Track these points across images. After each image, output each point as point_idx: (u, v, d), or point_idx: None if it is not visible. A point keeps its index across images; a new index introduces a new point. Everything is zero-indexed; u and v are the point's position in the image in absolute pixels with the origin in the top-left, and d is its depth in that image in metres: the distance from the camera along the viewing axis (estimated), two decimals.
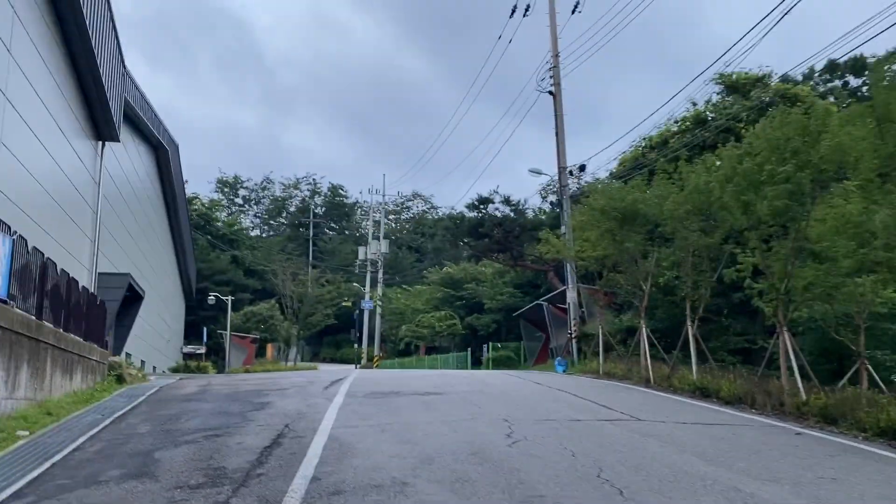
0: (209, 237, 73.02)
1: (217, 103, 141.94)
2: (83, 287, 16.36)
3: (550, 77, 26.02)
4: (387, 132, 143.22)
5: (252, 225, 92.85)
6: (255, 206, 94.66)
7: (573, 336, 25.25)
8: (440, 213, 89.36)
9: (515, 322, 46.16)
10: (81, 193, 23.96)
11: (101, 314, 18.53)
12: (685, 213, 14.79)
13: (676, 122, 21.99)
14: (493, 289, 46.64)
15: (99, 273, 26.40)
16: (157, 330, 42.71)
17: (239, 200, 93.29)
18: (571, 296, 25.36)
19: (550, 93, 25.91)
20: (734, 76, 19.75)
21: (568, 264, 25.26)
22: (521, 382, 16.68)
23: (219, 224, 77.38)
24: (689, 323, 15.97)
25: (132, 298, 30.28)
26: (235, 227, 79.49)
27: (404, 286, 63.51)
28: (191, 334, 57.17)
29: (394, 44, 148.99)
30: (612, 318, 25.39)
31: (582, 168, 23.84)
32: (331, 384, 15.83)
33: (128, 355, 33.43)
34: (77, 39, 21.19)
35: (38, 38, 18.60)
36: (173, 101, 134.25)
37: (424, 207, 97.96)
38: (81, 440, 9.58)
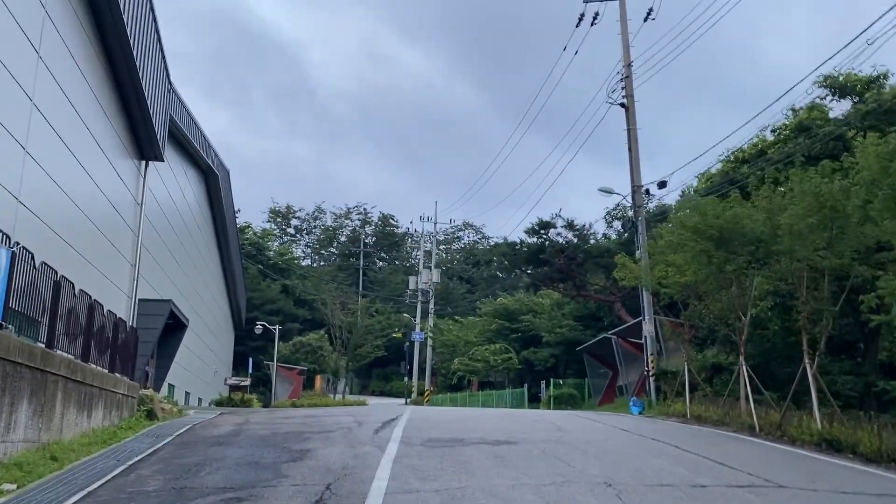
0: (260, 266, 72.32)
1: (271, 136, 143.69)
2: (109, 312, 14.68)
3: (622, 88, 23.85)
4: (437, 163, 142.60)
5: (303, 255, 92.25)
6: (306, 236, 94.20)
7: (650, 374, 22.65)
8: (492, 243, 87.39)
9: (575, 357, 43.38)
10: (121, 214, 22.64)
11: (131, 342, 16.85)
12: (807, 227, 12.35)
13: (773, 130, 19.53)
14: (552, 321, 44.00)
15: (139, 299, 24.98)
16: (204, 360, 41.37)
17: (291, 230, 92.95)
18: (648, 328, 22.82)
19: (623, 105, 23.72)
20: (842, 77, 17.28)
21: (645, 293, 22.76)
22: (602, 428, 14.29)
23: (270, 253, 76.75)
24: (806, 360, 13.39)
25: (175, 326, 28.84)
26: (287, 257, 78.75)
27: (456, 317, 61.22)
28: (239, 365, 55.84)
29: (443, 75, 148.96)
30: (693, 354, 22.73)
31: (662, 185, 21.47)
32: (382, 426, 13.72)
33: (170, 387, 31.99)
34: (118, 51, 19.99)
35: (75, 46, 17.37)
36: (229, 135, 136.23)
37: (476, 237, 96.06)
38: (74, 499, 7.66)
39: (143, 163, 24.83)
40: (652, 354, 22.80)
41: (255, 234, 76.55)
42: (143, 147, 24.21)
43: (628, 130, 23.72)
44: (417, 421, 15.14)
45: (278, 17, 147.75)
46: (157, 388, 28.94)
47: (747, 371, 15.72)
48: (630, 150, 23.65)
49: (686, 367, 19.50)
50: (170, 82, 25.34)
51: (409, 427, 13.41)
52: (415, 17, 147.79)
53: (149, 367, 28.10)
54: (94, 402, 13.15)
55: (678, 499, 7.13)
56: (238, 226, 73.01)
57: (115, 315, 15.26)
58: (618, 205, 34.46)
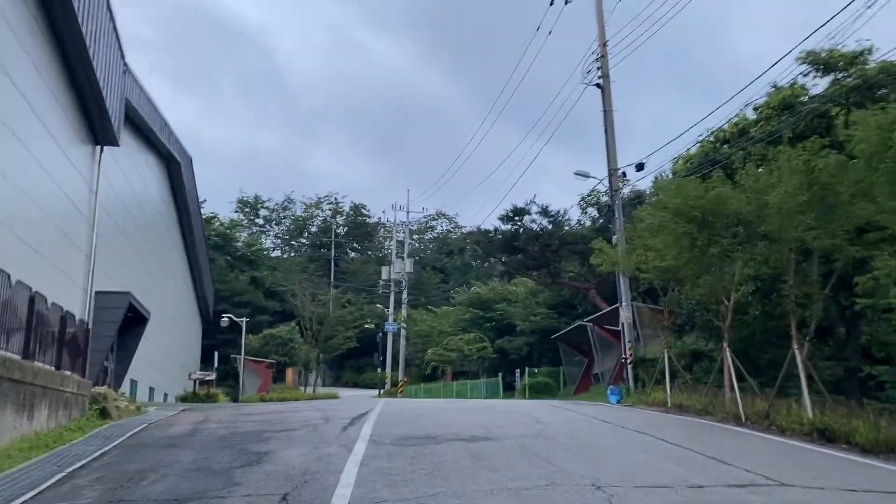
0: (228, 257, 70.74)
1: (240, 126, 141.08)
2: (54, 304, 13.61)
3: (598, 69, 23.13)
4: (409, 153, 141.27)
5: (273, 246, 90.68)
6: (275, 227, 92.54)
7: (628, 361, 22.06)
8: (465, 232, 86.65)
9: (550, 345, 42.85)
10: (74, 202, 21.41)
11: (81, 337, 15.77)
12: (797, 205, 11.70)
13: (756, 108, 18.91)
14: (526, 309, 43.42)
15: (96, 292, 23.78)
16: (170, 354, 40.06)
17: (260, 221, 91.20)
18: (626, 315, 22.20)
19: (598, 85, 22.99)
20: (824, 53, 16.68)
21: (622, 278, 22.15)
22: (582, 420, 13.59)
23: (238, 244, 75.16)
24: (795, 346, 12.78)
25: (135, 320, 27.64)
26: (255, 248, 77.19)
27: (430, 307, 60.42)
28: (208, 358, 54.49)
29: (414, 64, 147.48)
30: (672, 341, 22.20)
31: (640, 167, 20.79)
32: (350, 422, 12.88)
33: (133, 382, 30.79)
34: (66, 30, 18.76)
35: (16, 21, 16.17)
36: (196, 125, 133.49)
37: (449, 227, 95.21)
38: None
39: (98, 148, 23.56)
40: (630, 341, 22.22)
41: (222, 224, 74.86)
42: (97, 131, 22.95)
43: (604, 112, 23.02)
44: (389, 415, 14.33)
45: (244, 5, 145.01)
46: (118, 384, 27.77)
47: (731, 358, 15.12)
48: (606, 131, 22.97)
49: (666, 354, 18.91)
50: (125, 64, 24.07)
51: (379, 423, 12.59)
52: (385, 5, 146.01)
53: (109, 362, 26.93)
54: (38, 403, 12.12)
55: (676, 503, 6.41)
56: (204, 216, 71.31)
57: (63, 308, 14.18)
58: (592, 190, 33.90)
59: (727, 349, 15.19)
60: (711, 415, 15.05)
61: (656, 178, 24.55)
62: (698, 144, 21.16)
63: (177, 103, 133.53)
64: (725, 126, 19.87)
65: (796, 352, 12.61)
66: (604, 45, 23.17)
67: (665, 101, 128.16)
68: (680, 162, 22.21)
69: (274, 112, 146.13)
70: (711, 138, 20.76)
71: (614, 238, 21.95)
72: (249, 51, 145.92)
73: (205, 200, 76.36)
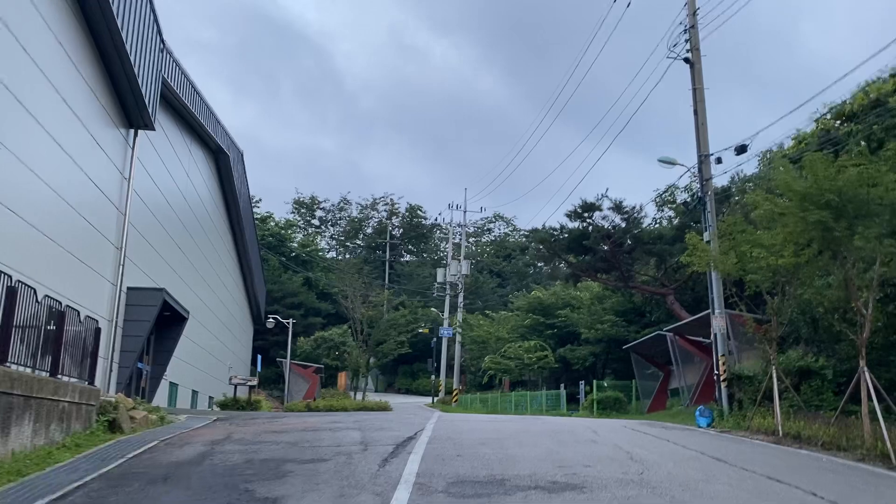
0: (282, 258, 69.54)
1: (298, 129, 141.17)
2: (47, 297, 11.49)
3: (686, 41, 20.18)
4: (466, 156, 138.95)
5: (328, 247, 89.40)
6: (331, 228, 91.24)
7: (721, 378, 18.97)
8: (523, 235, 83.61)
9: (616, 356, 39.68)
10: (102, 190, 19.56)
11: (88, 337, 13.68)
12: None
13: (894, 74, 15.75)
14: (592, 316, 40.30)
15: (127, 287, 21.98)
16: (217, 356, 38.44)
17: (315, 222, 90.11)
18: (719, 324, 19.12)
19: (686, 60, 20.03)
20: None
21: (715, 281, 19.11)
22: (689, 457, 10.72)
23: (293, 245, 73.96)
24: None
25: (173, 319, 25.82)
26: (310, 248, 75.90)
27: (487, 312, 57.67)
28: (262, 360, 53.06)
29: (472, 66, 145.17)
30: (768, 356, 19.05)
31: (741, 150, 17.62)
32: (394, 450, 10.36)
33: (172, 385, 29.05)
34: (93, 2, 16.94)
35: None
36: (256, 127, 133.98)
37: (506, 229, 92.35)
38: None
39: (132, 132, 21.76)
40: (723, 355, 19.13)
41: (277, 224, 73.84)
42: (131, 113, 21.13)
43: (694, 90, 20.01)
44: (441, 441, 11.75)
45: (304, 8, 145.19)
46: (154, 388, 26.01)
47: (871, 379, 12.03)
48: (696, 112, 19.96)
49: (774, 371, 15.82)
50: (162, 41, 22.19)
51: (429, 453, 10.01)
52: (443, 7, 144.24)
53: (143, 364, 25.16)
54: (16, 417, 9.96)
55: None
56: (259, 216, 70.35)
57: (62, 303, 12.06)
58: (669, 187, 30.71)
59: (866, 369, 12.09)
60: (845, 450, 11.99)
61: (760, 160, 21.32)
62: (813, 123, 18.05)
63: (237, 106, 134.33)
64: (848, 99, 16.72)
65: None
66: (693, 13, 20.20)
67: (732, 101, 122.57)
68: (791, 143, 19.08)
69: (332, 114, 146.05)
70: (831, 115, 17.64)
71: (705, 235, 18.91)
72: (309, 54, 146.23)
73: (259, 200, 75.78)
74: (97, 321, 14.97)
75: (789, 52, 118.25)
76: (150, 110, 21.17)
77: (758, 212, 12.79)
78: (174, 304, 24.60)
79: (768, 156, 25.29)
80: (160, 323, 25.19)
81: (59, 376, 11.84)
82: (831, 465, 10.47)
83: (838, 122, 17.19)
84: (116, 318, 20.80)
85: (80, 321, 13.12)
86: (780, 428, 14.69)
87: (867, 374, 12.03)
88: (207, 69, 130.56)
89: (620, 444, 11.93)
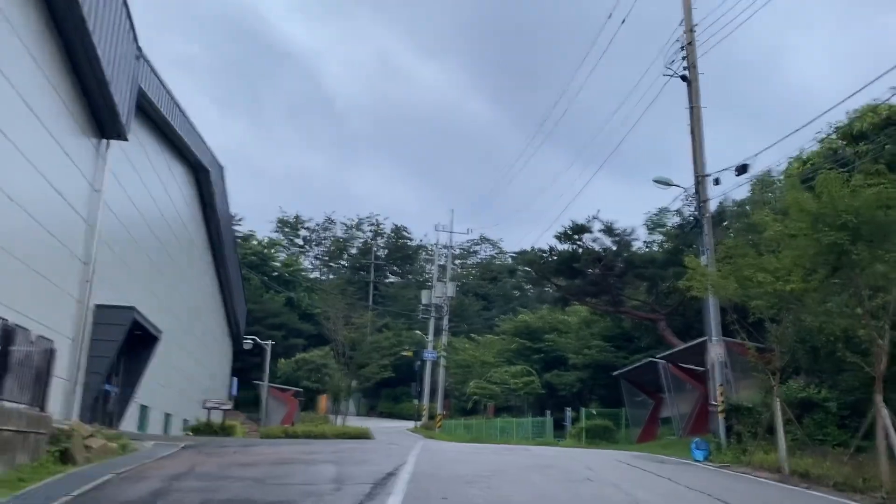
0: (264, 277, 68.22)
1: (285, 149, 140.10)
2: None
3: (683, 58, 19.56)
4: (453, 179, 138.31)
5: (312, 267, 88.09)
6: (315, 248, 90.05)
7: (719, 410, 18.07)
8: (509, 258, 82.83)
9: (604, 382, 38.70)
10: (69, 201, 18.45)
11: (40, 358, 12.55)
12: None
13: None
14: (579, 341, 39.41)
15: (95, 305, 20.80)
16: (193, 377, 37.05)
17: (299, 241, 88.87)
18: (717, 352, 18.27)
19: (684, 77, 19.40)
20: None
21: (712, 307, 18.29)
22: (702, 499, 9.76)
23: (276, 264, 72.68)
24: None
25: (145, 339, 24.60)
26: (293, 268, 74.62)
27: (472, 335, 56.61)
28: (239, 382, 51.51)
29: (459, 89, 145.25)
30: (768, 386, 18.21)
31: (742, 170, 16.91)
32: (372, 489, 9.33)
33: (142, 408, 27.72)
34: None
35: None
36: (242, 146, 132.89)
37: (492, 252, 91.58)
38: None
39: (104, 142, 20.72)
40: (721, 384, 18.25)
41: (260, 243, 72.60)
42: (103, 122, 20.09)
43: (691, 108, 19.35)
44: (425, 478, 10.73)
45: (294, 28, 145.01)
46: (122, 411, 24.72)
47: (888, 416, 11.17)
48: (693, 132, 19.27)
49: (777, 403, 14.95)
50: (138, 48, 21.26)
51: (411, 496, 8.99)
52: (430, 31, 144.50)
53: (112, 385, 23.91)
54: None
55: None
56: (241, 234, 69.12)
57: (6, 320, 10.97)
58: (661, 210, 30.00)
59: (882, 404, 11.22)
60: (861, 492, 11.08)
61: (754, 182, 20.73)
62: (818, 143, 17.37)
63: (224, 125, 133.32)
64: (855, 117, 16.03)
65: None
66: (691, 30, 19.59)
67: (720, 129, 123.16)
68: (794, 164, 18.38)
69: (319, 135, 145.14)
70: (836, 135, 16.98)
71: (702, 258, 18.11)
72: (297, 74, 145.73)
73: (242, 218, 74.46)
74: (52, 341, 13.83)
75: (767, 84, 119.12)
76: (123, 119, 20.16)
77: (768, 233, 12.00)
78: (146, 323, 23.42)
79: (763, 179, 24.64)
80: (130, 343, 23.96)
81: (1, 402, 10.73)
82: None
83: (844, 142, 16.52)
84: (83, 337, 19.61)
85: (30, 341, 12.01)
86: (785, 465, 13.77)
87: (884, 411, 11.17)
88: (194, 87, 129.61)
89: (619, 483, 10.95)
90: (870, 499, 10.62)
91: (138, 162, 24.94)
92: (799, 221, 10.99)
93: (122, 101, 20.02)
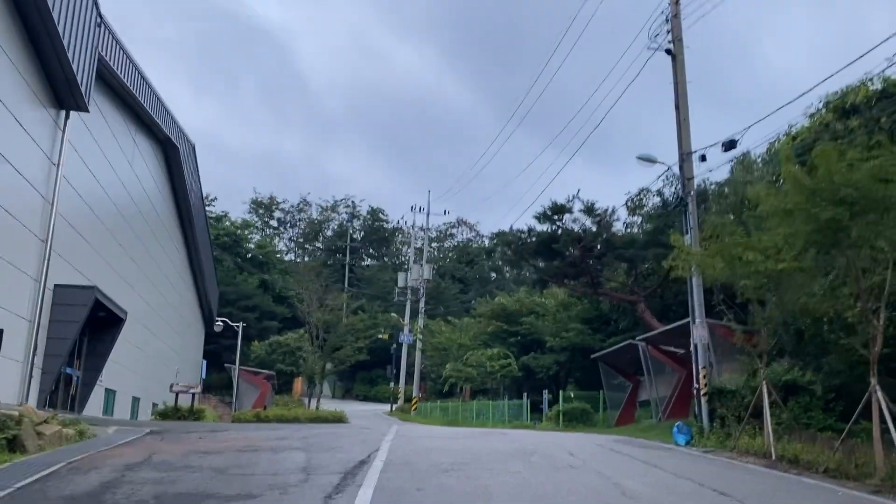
0: (238, 259, 67.00)
1: (260, 130, 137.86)
2: None
3: (668, 32, 18.93)
4: (429, 160, 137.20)
5: (286, 249, 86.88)
6: (290, 230, 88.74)
7: (702, 393, 17.65)
8: (486, 241, 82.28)
9: (580, 364, 38.39)
10: (24, 175, 17.47)
11: None
12: None
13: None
14: (557, 324, 39.00)
15: (55, 285, 19.86)
16: (164, 360, 36.11)
17: (273, 223, 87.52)
18: (701, 333, 17.82)
19: (668, 51, 18.78)
20: None
21: (695, 288, 17.80)
22: (694, 493, 9.22)
23: (249, 245, 71.42)
24: None
25: (109, 320, 23.67)
26: (267, 250, 73.41)
27: (448, 318, 56.06)
28: (211, 365, 50.49)
29: (436, 71, 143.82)
30: (753, 368, 17.83)
31: (731, 145, 16.31)
32: (341, 481, 8.67)
33: (108, 392, 26.81)
34: None
35: None
36: (217, 127, 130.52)
37: (469, 235, 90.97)
38: None
39: (62, 113, 19.68)
40: (704, 367, 17.82)
41: (233, 224, 71.23)
42: (61, 93, 19.06)
43: (675, 83, 18.76)
44: (399, 467, 10.09)
45: (268, 6, 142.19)
46: (86, 395, 23.81)
47: (884, 399, 10.71)
48: (677, 107, 18.68)
49: (764, 386, 14.52)
50: (99, 15, 20.16)
51: (383, 487, 8.34)
52: (406, 12, 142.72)
53: (74, 368, 22.98)
54: None
55: None
56: (214, 215, 67.69)
57: None
58: (641, 190, 29.50)
59: (878, 387, 10.76)
60: (855, 479, 10.63)
61: (733, 168, 20.24)
62: (807, 119, 16.85)
63: (197, 106, 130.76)
64: (848, 91, 15.51)
65: None
66: (676, 1, 18.95)
67: (696, 114, 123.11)
68: (784, 139, 17.87)
69: (295, 116, 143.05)
70: (827, 108, 16.47)
71: (686, 238, 17.60)
72: (271, 53, 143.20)
73: (215, 199, 73.02)
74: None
75: (746, 69, 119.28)
76: (83, 89, 19.13)
77: (762, 207, 11.44)
78: (109, 303, 22.49)
79: (743, 160, 24.21)
80: (94, 324, 23.06)
81: None
82: (851, 502, 9.06)
83: (844, 113, 15.97)
84: (39, 317, 18.67)
85: None
86: (772, 450, 13.34)
87: (880, 394, 10.71)
88: (167, 68, 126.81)
89: (604, 471, 10.40)
90: (864, 486, 10.17)
91: (101, 136, 23.88)
92: (795, 196, 10.44)
93: (82, 69, 18.99)
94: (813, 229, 10.37)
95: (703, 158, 17.43)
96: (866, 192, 9.83)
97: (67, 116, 19.76)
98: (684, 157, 18.18)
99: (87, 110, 20.06)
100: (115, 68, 23.18)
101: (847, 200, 9.88)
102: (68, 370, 22.28)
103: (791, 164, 11.03)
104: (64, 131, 19.62)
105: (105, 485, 8.57)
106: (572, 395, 30.27)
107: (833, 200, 9.98)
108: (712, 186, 25.13)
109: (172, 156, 34.38)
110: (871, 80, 15.52)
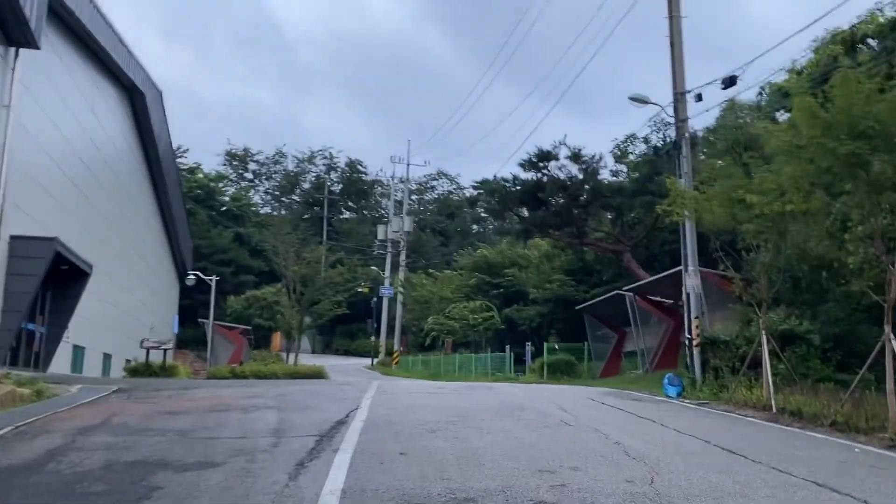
0: (212, 212, 65.38)
1: (234, 80, 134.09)
2: None
3: None
4: (409, 111, 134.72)
5: (262, 202, 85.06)
6: (265, 182, 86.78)
7: (695, 343, 17.02)
8: (468, 191, 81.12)
9: (564, 316, 37.87)
10: None
11: None
12: None
13: None
14: (540, 275, 38.34)
15: (10, 236, 18.65)
16: (135, 316, 35.00)
17: (249, 175, 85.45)
18: (694, 282, 17.11)
19: None
20: None
21: (689, 234, 17.03)
22: (702, 450, 8.50)
23: (224, 198, 69.75)
24: None
25: (73, 274, 22.51)
26: (242, 202, 71.80)
27: (430, 271, 55.28)
28: (186, 320, 49.47)
29: (414, 19, 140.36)
30: (745, 317, 17.26)
31: (731, 82, 15.33)
32: (316, 445, 7.83)
33: (76, 348, 25.77)
34: None
35: None
36: (189, 77, 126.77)
37: (450, 187, 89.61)
38: None
39: (11, 50, 18.19)
40: (696, 317, 17.16)
41: (206, 176, 69.38)
42: (8, 26, 17.55)
43: (670, 18, 17.66)
44: (380, 427, 9.29)
45: None
46: (51, 352, 22.76)
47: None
48: (672, 44, 17.63)
49: (764, 336, 13.88)
50: None
51: (362, 451, 7.50)
52: None
53: (36, 324, 21.89)
54: None
55: None
56: (186, 166, 65.77)
57: None
58: (628, 137, 28.53)
59: (891, 336, 10.07)
60: (864, 433, 10.02)
61: (723, 110, 19.35)
62: (812, 53, 15.90)
63: (169, 56, 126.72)
64: (856, 25, 14.57)
65: None
66: None
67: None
68: (790, 76, 16.94)
69: (269, 66, 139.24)
70: (833, 40, 15.52)
71: (680, 182, 16.74)
72: (246, 2, 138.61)
73: (187, 150, 70.82)
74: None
75: (724, 16, 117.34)
76: (31, 24, 17.63)
77: (770, 146, 10.57)
78: (72, 256, 21.32)
79: (732, 104, 23.29)
80: (57, 278, 21.92)
81: None
82: (870, 458, 8.40)
83: (852, 45, 15.05)
84: None
85: None
86: (772, 402, 12.73)
87: (894, 343, 10.02)
88: (137, 15, 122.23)
89: (600, 428, 9.67)
90: (876, 441, 9.55)
91: (58, 77, 22.39)
92: (810, 130, 9.55)
93: (29, 1, 17.44)
94: (828, 166, 9.51)
95: (698, 98, 16.45)
96: (888, 125, 8.96)
97: (17, 54, 18.27)
98: (678, 96, 17.21)
99: (38, 47, 18.56)
100: (70, 6, 21.61)
101: (868, 134, 9.00)
102: (30, 326, 21.20)
103: (805, 97, 10.11)
104: (14, 70, 18.16)
105: (50, 453, 7.65)
106: (556, 347, 29.72)
107: (852, 134, 9.10)
108: (700, 132, 24.24)
109: (139, 102, 32.76)
110: (880, 9, 14.63)
